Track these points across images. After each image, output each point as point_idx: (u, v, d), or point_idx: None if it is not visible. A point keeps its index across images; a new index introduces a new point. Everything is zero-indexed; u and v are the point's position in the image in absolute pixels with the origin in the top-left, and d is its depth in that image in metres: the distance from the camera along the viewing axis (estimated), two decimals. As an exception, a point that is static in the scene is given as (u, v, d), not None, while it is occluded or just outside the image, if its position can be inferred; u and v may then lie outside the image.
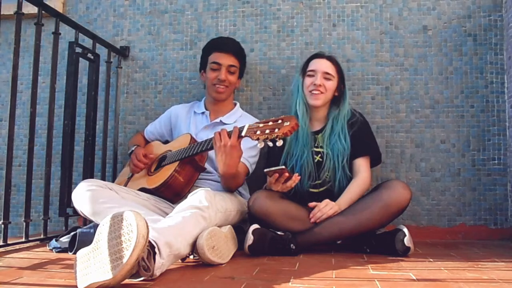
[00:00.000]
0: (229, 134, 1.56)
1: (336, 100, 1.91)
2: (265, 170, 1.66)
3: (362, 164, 1.82)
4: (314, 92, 1.84)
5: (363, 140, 1.86)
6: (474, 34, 2.14)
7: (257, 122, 1.49)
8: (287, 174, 1.64)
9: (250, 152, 1.84)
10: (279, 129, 1.39)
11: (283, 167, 1.63)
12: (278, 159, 1.84)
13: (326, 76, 1.85)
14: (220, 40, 2.04)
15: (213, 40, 2.05)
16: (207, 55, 1.99)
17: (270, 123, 1.44)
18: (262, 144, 1.43)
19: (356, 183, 1.77)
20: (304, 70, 1.92)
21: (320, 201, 1.69)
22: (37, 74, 1.75)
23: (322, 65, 1.86)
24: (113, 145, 2.32)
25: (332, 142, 1.83)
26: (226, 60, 1.94)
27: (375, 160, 1.92)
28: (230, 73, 1.95)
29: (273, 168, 1.64)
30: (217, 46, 1.98)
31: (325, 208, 1.65)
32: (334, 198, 1.73)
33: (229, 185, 1.75)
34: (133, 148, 1.96)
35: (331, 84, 1.86)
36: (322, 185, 1.84)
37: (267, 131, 1.41)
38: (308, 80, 1.87)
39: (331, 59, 1.90)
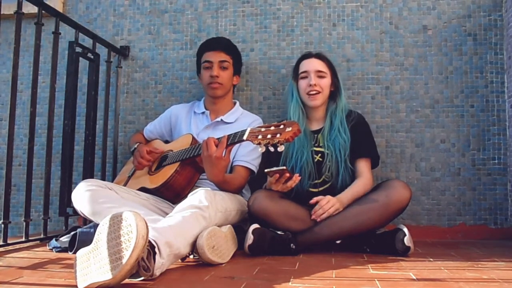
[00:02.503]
0: (217, 143, 1.58)
1: (332, 95, 1.92)
2: (266, 170, 1.66)
3: (364, 166, 1.83)
4: (311, 92, 1.85)
5: (364, 141, 1.86)
6: (474, 33, 2.14)
7: (259, 126, 1.49)
8: (287, 175, 1.64)
9: (252, 154, 1.85)
10: (280, 134, 1.39)
11: (284, 167, 1.63)
12: (278, 159, 1.84)
13: (319, 74, 1.86)
14: (209, 40, 2.07)
15: (203, 42, 2.07)
16: (200, 57, 2.03)
17: (272, 127, 1.43)
18: (264, 149, 1.43)
19: (361, 182, 1.77)
20: (296, 74, 1.92)
21: (320, 200, 1.69)
22: (37, 74, 1.75)
23: (313, 65, 1.87)
24: (113, 145, 2.32)
25: (333, 137, 1.83)
26: (217, 56, 1.96)
27: (374, 163, 1.91)
28: (222, 68, 1.96)
29: (274, 169, 1.63)
30: (207, 46, 2.02)
31: (326, 205, 1.65)
32: (335, 196, 1.72)
33: (223, 189, 1.74)
34: (135, 146, 1.96)
35: (326, 82, 1.87)
36: (322, 185, 1.84)
37: (269, 136, 1.41)
38: (303, 83, 1.88)
39: (319, 56, 1.91)
